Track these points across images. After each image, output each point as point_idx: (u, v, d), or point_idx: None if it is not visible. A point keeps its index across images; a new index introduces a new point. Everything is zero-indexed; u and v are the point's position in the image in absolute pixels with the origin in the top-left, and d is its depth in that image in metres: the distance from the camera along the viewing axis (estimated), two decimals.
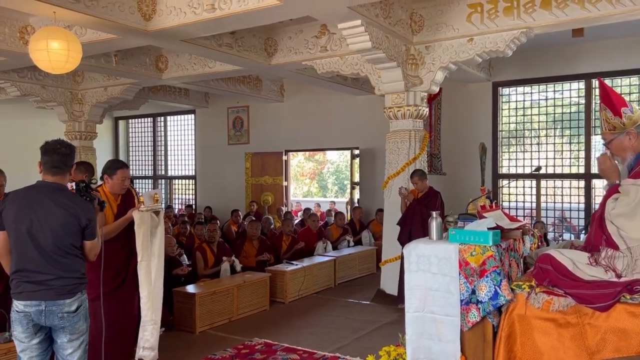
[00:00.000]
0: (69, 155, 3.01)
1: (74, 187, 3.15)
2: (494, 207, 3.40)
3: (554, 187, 8.82)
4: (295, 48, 7.26)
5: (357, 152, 10.48)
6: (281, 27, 7.14)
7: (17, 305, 2.88)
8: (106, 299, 4.24)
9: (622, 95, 3.04)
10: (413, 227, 6.06)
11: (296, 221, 9.94)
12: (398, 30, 6.07)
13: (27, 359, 2.94)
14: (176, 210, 12.23)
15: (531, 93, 8.96)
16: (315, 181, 20.14)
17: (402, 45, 6.29)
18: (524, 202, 8.99)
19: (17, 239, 2.90)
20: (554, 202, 8.88)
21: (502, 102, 9.12)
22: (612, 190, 2.70)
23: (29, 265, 2.88)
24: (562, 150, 8.79)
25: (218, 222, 8.63)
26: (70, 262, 2.94)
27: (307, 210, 10.54)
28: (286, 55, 7.34)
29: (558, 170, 8.75)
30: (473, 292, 2.76)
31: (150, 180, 13.80)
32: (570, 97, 8.67)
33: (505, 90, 9.12)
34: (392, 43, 6.02)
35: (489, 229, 2.85)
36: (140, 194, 4.26)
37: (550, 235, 8.43)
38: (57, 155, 2.96)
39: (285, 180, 11.28)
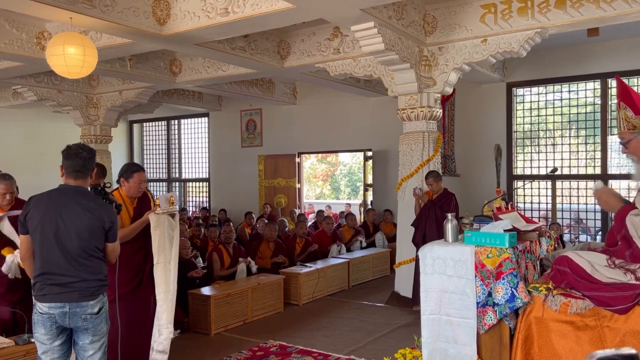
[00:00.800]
0: (90, 159, 3.06)
1: (92, 191, 3.19)
2: (509, 208, 3.38)
3: (570, 188, 8.73)
4: (307, 51, 7.28)
5: (370, 153, 10.46)
6: (294, 30, 7.17)
7: (41, 307, 2.91)
8: (123, 301, 4.27)
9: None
10: (427, 228, 6.04)
11: (309, 223, 9.95)
12: (411, 32, 6.06)
13: None
14: (190, 213, 12.30)
15: (546, 93, 8.88)
16: (328, 183, 20.14)
17: (415, 46, 6.27)
18: (539, 203, 8.91)
19: (42, 242, 2.93)
20: (570, 204, 8.79)
21: (516, 102, 9.06)
22: (625, 209, 2.67)
23: (54, 268, 2.91)
24: (578, 151, 8.70)
25: (232, 223, 8.67)
26: (93, 264, 2.99)
27: (320, 212, 10.55)
28: (299, 57, 7.37)
29: (574, 171, 8.66)
30: (489, 294, 2.74)
31: (164, 183, 13.90)
32: (586, 97, 8.59)
33: (520, 91, 9.06)
34: (405, 44, 6.01)
35: (505, 230, 2.83)
36: (156, 197, 4.30)
37: (566, 237, 8.35)
38: (79, 159, 3.00)
39: (298, 183, 11.30)
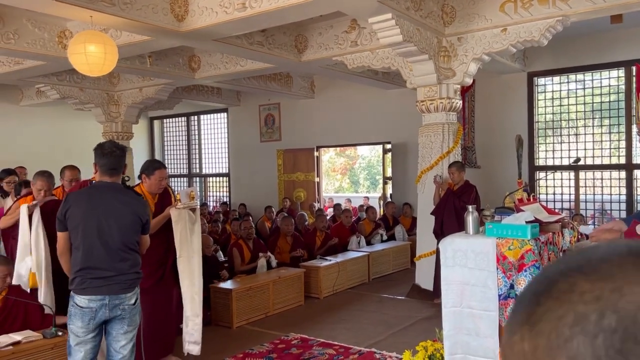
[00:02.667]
0: (123, 156, 3.18)
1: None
2: (531, 200, 3.34)
3: (593, 179, 8.58)
4: (325, 44, 7.26)
5: (389, 146, 10.42)
6: (311, 23, 7.15)
7: (81, 300, 2.99)
8: (145, 294, 4.35)
9: None
10: (445, 217, 6.01)
11: (327, 217, 9.95)
12: (429, 23, 6.00)
13: (82, 351, 3.05)
14: (211, 208, 12.42)
15: (568, 82, 8.72)
16: (347, 177, 20.12)
17: (434, 37, 6.21)
18: (561, 194, 8.77)
19: (84, 237, 3.01)
20: (594, 194, 8.64)
21: (537, 92, 8.91)
22: (634, 223, 2.62)
23: (96, 263, 3.00)
24: (602, 141, 8.53)
25: (251, 218, 8.73)
26: (132, 257, 3.11)
27: (337, 205, 10.55)
28: (316, 51, 7.36)
29: (597, 161, 8.50)
30: (512, 286, 2.72)
31: (185, 179, 14.04)
32: (610, 86, 8.40)
33: (541, 80, 8.91)
34: (423, 36, 5.95)
35: (527, 222, 2.80)
36: (177, 192, 4.36)
37: (590, 228, 8.21)
38: (113, 157, 3.10)
39: (317, 176, 11.31)
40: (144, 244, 3.27)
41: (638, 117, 2.82)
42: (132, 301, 3.09)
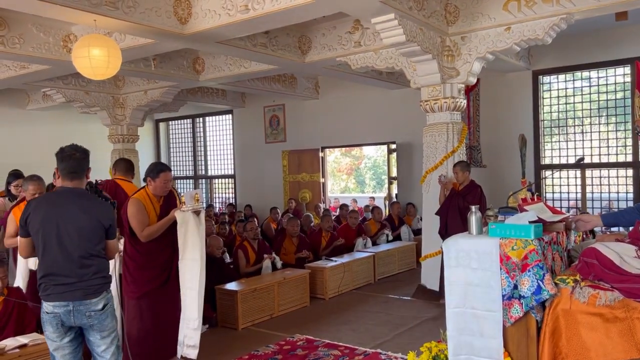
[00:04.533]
0: (84, 159, 3.08)
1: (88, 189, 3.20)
2: (535, 199, 3.32)
3: (600, 177, 8.52)
4: (328, 45, 7.26)
5: (393, 146, 10.40)
6: (314, 24, 7.16)
7: (47, 306, 2.97)
8: (151, 297, 4.36)
9: None
10: (449, 217, 6.00)
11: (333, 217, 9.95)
12: (432, 22, 5.98)
13: (60, 356, 3.04)
14: (217, 209, 12.45)
15: (573, 80, 8.67)
16: (353, 177, 20.11)
17: (437, 36, 6.19)
18: (568, 192, 8.73)
19: (44, 244, 2.97)
20: (600, 193, 8.58)
21: (543, 90, 8.87)
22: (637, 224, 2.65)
23: (57, 269, 2.96)
24: (608, 139, 8.48)
25: (256, 219, 8.74)
26: (96, 263, 3.02)
27: (343, 206, 10.53)
28: (320, 52, 7.36)
29: (604, 159, 8.44)
30: (515, 287, 2.71)
31: (191, 181, 14.09)
32: (615, 83, 8.35)
33: (546, 79, 8.87)
34: (426, 35, 5.94)
35: (530, 222, 2.78)
36: (182, 195, 4.37)
37: (597, 228, 8.15)
38: (73, 160, 3.02)
39: (323, 177, 11.32)
40: (111, 250, 3.17)
41: (637, 115, 2.82)
42: (99, 307, 3.01)
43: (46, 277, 2.98)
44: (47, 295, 2.97)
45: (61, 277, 2.96)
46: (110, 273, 3.19)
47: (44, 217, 2.99)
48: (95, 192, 3.20)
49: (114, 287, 4.32)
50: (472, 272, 2.83)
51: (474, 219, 2.97)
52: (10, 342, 3.67)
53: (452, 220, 5.92)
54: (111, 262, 4.28)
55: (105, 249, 3.12)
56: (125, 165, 5.23)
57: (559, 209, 3.43)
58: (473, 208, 2.99)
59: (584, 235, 3.44)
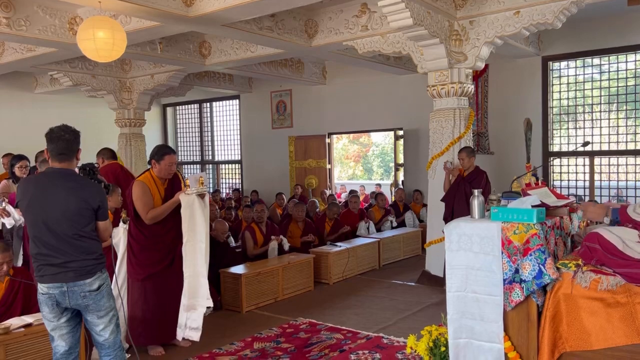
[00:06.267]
0: (73, 140, 3.05)
1: (80, 171, 3.20)
2: (540, 184, 3.29)
3: (609, 165, 8.44)
4: (335, 28, 7.19)
5: (400, 133, 10.34)
6: (321, 7, 7.09)
7: (41, 287, 2.99)
8: (155, 279, 4.40)
9: None
10: (456, 204, 5.98)
11: (340, 203, 9.93)
12: (440, 6, 5.90)
13: (58, 336, 3.06)
14: (223, 195, 12.48)
15: (584, 67, 8.55)
16: (360, 164, 20.06)
17: (445, 20, 6.12)
18: (576, 180, 8.65)
19: (33, 226, 2.99)
20: (609, 180, 8.50)
21: (552, 77, 8.76)
22: (623, 207, 2.61)
23: (47, 250, 2.96)
24: (618, 126, 8.37)
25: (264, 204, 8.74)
26: (86, 244, 3.01)
27: (352, 192, 10.52)
28: (327, 36, 7.29)
29: (613, 147, 8.35)
30: (516, 271, 2.69)
31: (198, 166, 14.12)
32: (627, 70, 8.22)
33: (556, 65, 8.74)
34: (434, 19, 5.86)
35: (533, 206, 2.76)
36: (186, 178, 4.38)
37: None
38: (61, 142, 3.00)
39: (329, 163, 11.29)
40: (104, 230, 3.14)
41: None
42: (94, 287, 3.01)
43: (38, 256, 2.99)
44: (41, 277, 2.98)
45: (52, 257, 2.96)
46: (103, 253, 3.18)
47: (31, 198, 2.99)
48: (88, 174, 3.16)
49: (122, 270, 4.37)
50: (473, 256, 2.82)
51: (476, 202, 2.95)
52: (16, 322, 3.71)
53: (459, 206, 5.89)
54: (120, 244, 4.33)
55: (97, 231, 3.09)
56: (111, 153, 5.53)
57: (563, 195, 3.39)
58: (476, 192, 2.97)
59: (589, 221, 3.40)
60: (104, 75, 9.48)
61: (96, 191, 3.06)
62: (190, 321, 4.25)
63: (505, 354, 2.75)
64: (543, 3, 5.66)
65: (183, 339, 4.42)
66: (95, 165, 3.30)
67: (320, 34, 7.35)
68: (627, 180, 8.31)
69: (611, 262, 2.54)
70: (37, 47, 7.24)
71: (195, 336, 4.24)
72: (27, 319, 3.77)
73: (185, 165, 14.21)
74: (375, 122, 10.67)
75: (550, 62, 8.69)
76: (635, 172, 8.17)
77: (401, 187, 10.05)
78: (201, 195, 4.31)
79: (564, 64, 8.68)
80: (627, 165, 8.25)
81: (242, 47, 8.00)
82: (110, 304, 3.11)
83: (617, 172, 8.37)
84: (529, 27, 5.87)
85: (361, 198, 10.50)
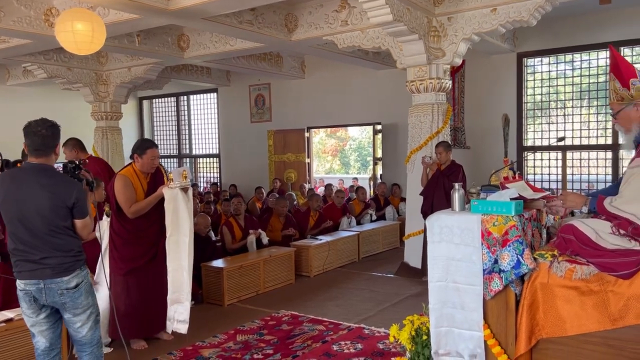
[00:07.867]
0: (50, 136, 2.96)
1: (62, 169, 3.13)
2: (517, 178, 3.39)
3: (580, 159, 8.70)
4: (315, 23, 7.23)
5: (379, 127, 10.45)
6: (301, 2, 7.12)
7: (19, 284, 2.96)
8: (138, 273, 4.40)
9: (635, 65, 3.00)
10: (435, 198, 6.10)
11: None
12: (419, 2, 5.99)
13: (38, 332, 3.02)
14: (201, 189, 12.42)
15: (557, 63, 8.77)
16: (338, 158, 20.15)
17: (424, 17, 6.21)
18: (549, 174, 8.89)
19: (9, 221, 2.95)
20: (580, 174, 8.77)
21: (527, 73, 8.97)
22: (600, 198, 2.73)
23: (23, 247, 2.92)
24: (589, 121, 8.63)
25: (242, 198, 8.75)
26: (62, 241, 2.94)
27: (328, 186, 10.60)
28: (307, 30, 7.33)
29: (585, 142, 8.60)
30: (495, 261, 2.79)
31: (175, 159, 14.01)
32: (598, 67, 8.47)
33: (531, 61, 8.95)
34: (413, 15, 5.95)
35: (511, 199, 2.86)
36: (169, 172, 4.37)
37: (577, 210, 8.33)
38: (37, 137, 2.92)
39: (308, 157, 11.34)
40: (83, 228, 3.04)
41: (610, 97, 2.92)
42: (72, 284, 2.95)
43: (14, 251, 2.95)
44: (18, 272, 2.95)
45: (27, 252, 2.91)
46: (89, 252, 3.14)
47: (6, 193, 2.94)
48: (69, 172, 3.08)
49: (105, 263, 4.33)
50: (454, 247, 2.90)
51: (457, 195, 3.04)
52: None
53: (439, 200, 6.01)
54: (104, 237, 4.29)
55: (74, 228, 3.01)
56: (82, 144, 5.33)
57: (539, 188, 3.51)
58: (456, 185, 3.06)
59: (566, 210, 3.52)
60: (79, 68, 9.33)
61: (72, 188, 2.97)
62: (178, 314, 4.26)
63: (485, 341, 2.86)
64: (519, 1, 5.81)
65: (165, 332, 4.44)
66: (80, 162, 3.23)
67: (300, 29, 7.38)
68: (597, 174, 8.58)
69: (585, 252, 2.66)
70: (10, 39, 7.09)
71: (183, 329, 4.26)
72: (8, 314, 3.74)
73: (163, 159, 14.08)
74: (354, 116, 10.75)
75: (525, 59, 8.90)
76: (605, 166, 8.44)
77: (382, 181, 10.17)
78: (185, 189, 4.31)
79: (537, 60, 8.89)
80: (597, 159, 8.51)
81: (221, 41, 7.97)
82: (88, 302, 3.04)
83: (588, 166, 8.63)
84: (505, 24, 6.01)
85: None
